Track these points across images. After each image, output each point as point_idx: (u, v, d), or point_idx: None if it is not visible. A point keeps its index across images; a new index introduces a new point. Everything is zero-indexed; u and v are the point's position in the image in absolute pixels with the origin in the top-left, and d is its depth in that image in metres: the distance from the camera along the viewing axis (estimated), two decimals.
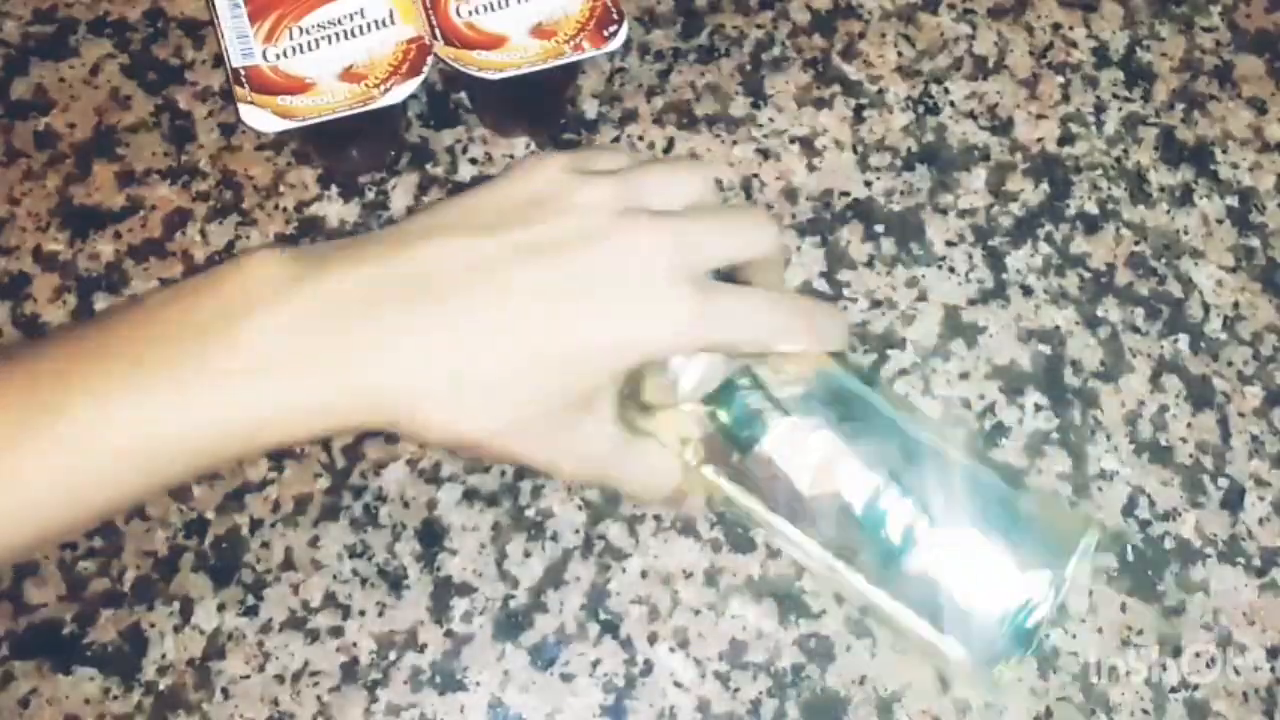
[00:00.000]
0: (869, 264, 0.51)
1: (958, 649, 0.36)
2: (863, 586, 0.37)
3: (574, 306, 0.34)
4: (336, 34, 0.46)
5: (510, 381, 0.34)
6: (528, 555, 0.46)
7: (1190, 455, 0.48)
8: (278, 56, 0.45)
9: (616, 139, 0.52)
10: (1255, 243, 0.52)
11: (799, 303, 0.42)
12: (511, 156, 0.52)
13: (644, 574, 0.45)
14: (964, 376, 0.49)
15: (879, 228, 0.51)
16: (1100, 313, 0.50)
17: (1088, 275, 0.51)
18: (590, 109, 0.53)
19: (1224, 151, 0.54)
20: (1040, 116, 0.54)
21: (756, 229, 0.38)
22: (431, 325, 0.34)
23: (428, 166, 0.51)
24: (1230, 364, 0.50)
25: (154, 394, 0.32)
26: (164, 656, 0.44)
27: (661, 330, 0.35)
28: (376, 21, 0.46)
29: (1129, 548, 0.47)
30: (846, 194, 0.52)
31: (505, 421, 0.35)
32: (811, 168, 0.52)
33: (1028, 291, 0.50)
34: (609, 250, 0.35)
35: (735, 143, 0.52)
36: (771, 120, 0.53)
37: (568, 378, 0.35)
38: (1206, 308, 0.51)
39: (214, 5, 0.46)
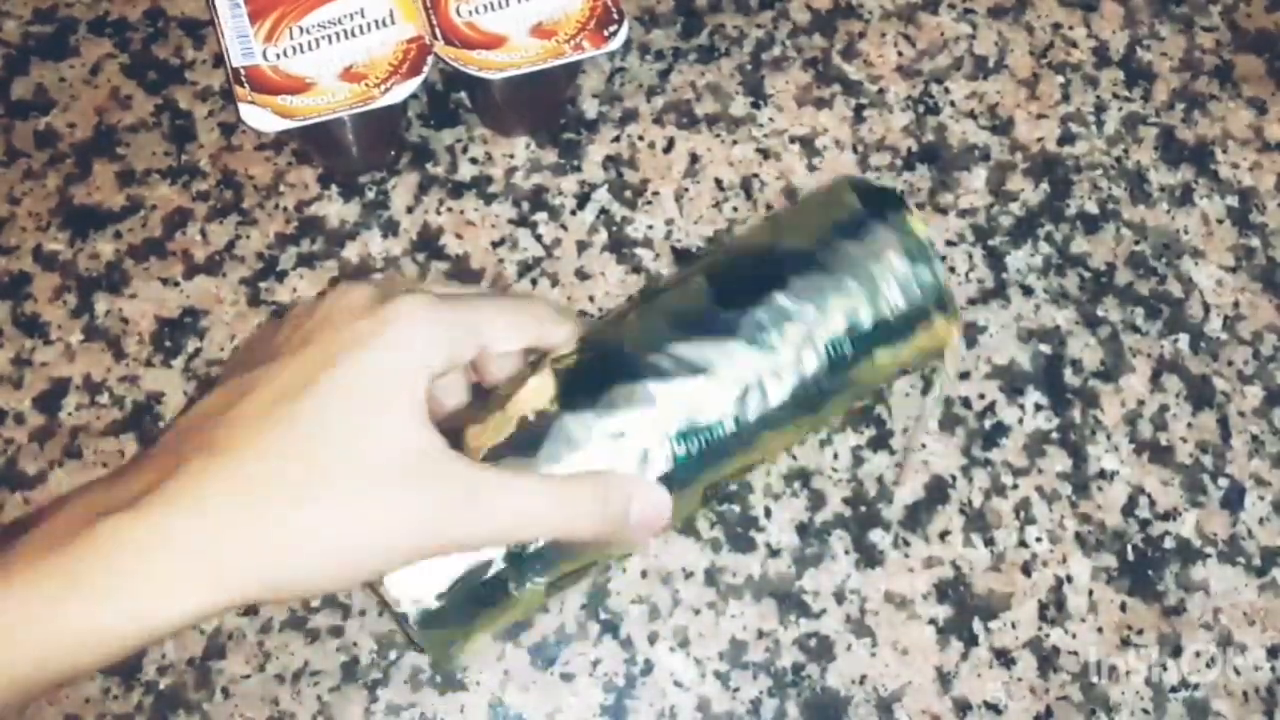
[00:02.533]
0: None
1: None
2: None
3: (330, 382, 0.33)
4: (336, 34, 0.46)
5: (320, 474, 0.32)
6: None
7: (1190, 455, 0.48)
8: (278, 56, 0.45)
9: (616, 139, 0.52)
10: (1255, 242, 0.52)
11: (522, 299, 0.40)
12: (511, 156, 0.52)
13: (644, 574, 0.45)
14: (964, 376, 0.49)
15: None
16: (1100, 312, 0.50)
17: (1088, 275, 0.51)
18: (590, 109, 0.53)
19: (1224, 151, 0.54)
20: (1040, 116, 0.54)
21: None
22: (223, 489, 0.32)
23: (428, 166, 0.51)
24: (1230, 364, 0.50)
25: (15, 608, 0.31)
26: (164, 656, 0.44)
27: (414, 335, 0.34)
28: (376, 21, 0.46)
29: (1129, 548, 0.47)
30: None
31: (353, 511, 0.33)
32: (812, 168, 0.52)
33: (1028, 291, 0.51)
34: (322, 314, 0.35)
35: (735, 142, 0.52)
36: (772, 120, 0.53)
37: (377, 437, 0.33)
38: (1206, 307, 0.51)
39: (214, 5, 0.46)
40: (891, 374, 0.41)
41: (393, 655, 0.44)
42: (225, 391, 0.34)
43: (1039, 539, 0.46)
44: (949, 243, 0.51)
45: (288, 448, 0.32)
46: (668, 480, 0.36)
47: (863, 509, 0.47)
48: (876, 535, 0.46)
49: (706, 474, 0.37)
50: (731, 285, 0.38)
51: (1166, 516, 0.47)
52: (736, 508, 0.46)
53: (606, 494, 0.36)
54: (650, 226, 0.51)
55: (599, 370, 0.37)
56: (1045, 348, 0.50)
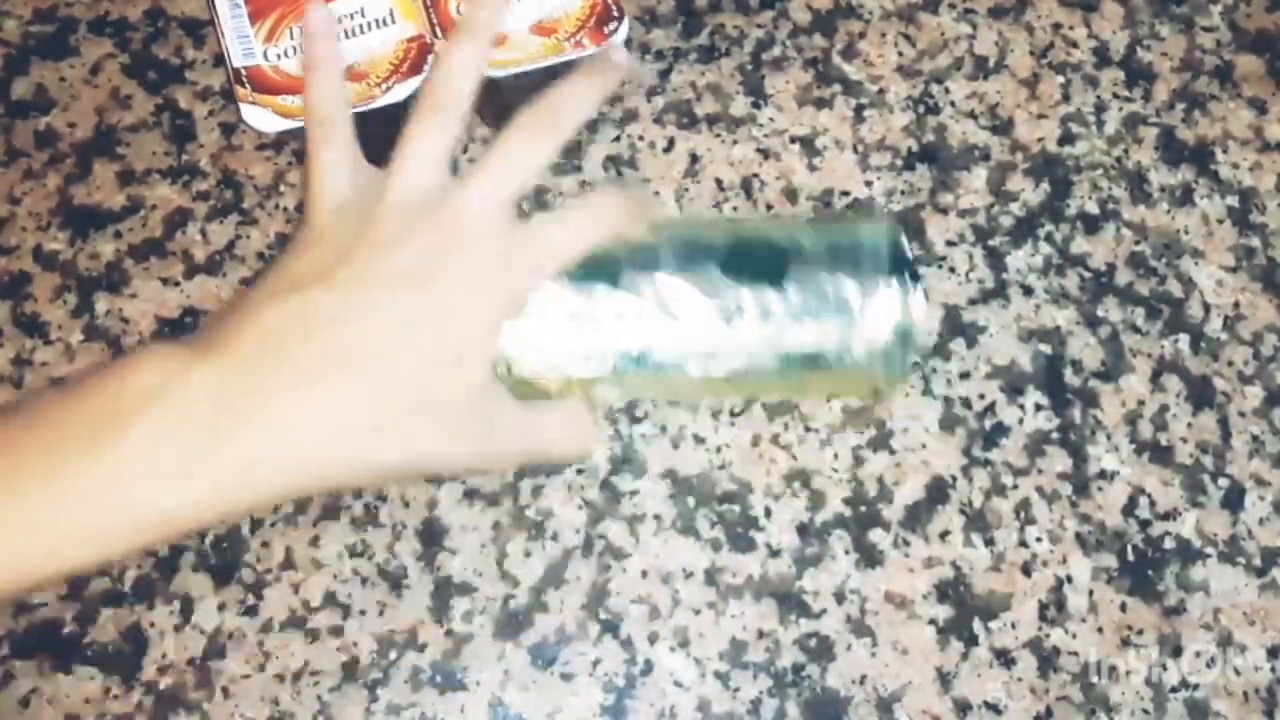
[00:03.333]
0: None
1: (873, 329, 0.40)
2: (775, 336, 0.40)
3: (428, 312, 0.36)
4: (337, 33, 0.46)
5: (405, 406, 0.35)
6: (528, 555, 0.46)
7: (1190, 455, 0.48)
8: (278, 56, 0.45)
9: (617, 139, 0.52)
10: (1255, 242, 0.52)
11: (601, 194, 0.41)
12: None
13: (644, 574, 0.45)
14: (964, 376, 0.49)
15: None
16: (1100, 312, 0.50)
17: (1088, 275, 0.51)
18: None
19: (1224, 151, 0.54)
20: (1040, 116, 0.54)
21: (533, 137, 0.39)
22: (316, 383, 0.34)
23: None
24: (1230, 364, 0.50)
25: (36, 502, 0.32)
26: (164, 656, 0.44)
27: (502, 291, 0.37)
28: (377, 20, 0.46)
29: (1129, 548, 0.47)
30: (847, 194, 0.52)
31: (422, 442, 0.36)
32: (812, 167, 0.52)
33: (1028, 291, 0.51)
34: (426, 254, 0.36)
35: (736, 142, 0.52)
36: (772, 120, 0.53)
37: (455, 376, 0.36)
38: (1207, 307, 0.51)
39: (214, 5, 0.46)
40: (830, 392, 0.45)
41: (393, 655, 0.44)
42: (346, 289, 0.35)
43: (1039, 539, 0.46)
44: (949, 243, 0.51)
45: (390, 378, 0.35)
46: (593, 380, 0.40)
47: (863, 509, 0.47)
48: (876, 535, 0.46)
49: (628, 391, 0.41)
50: (740, 259, 0.40)
51: (1166, 516, 0.47)
52: (736, 508, 0.46)
53: (577, 434, 0.41)
54: None
55: (592, 262, 0.39)
56: (1045, 348, 0.50)
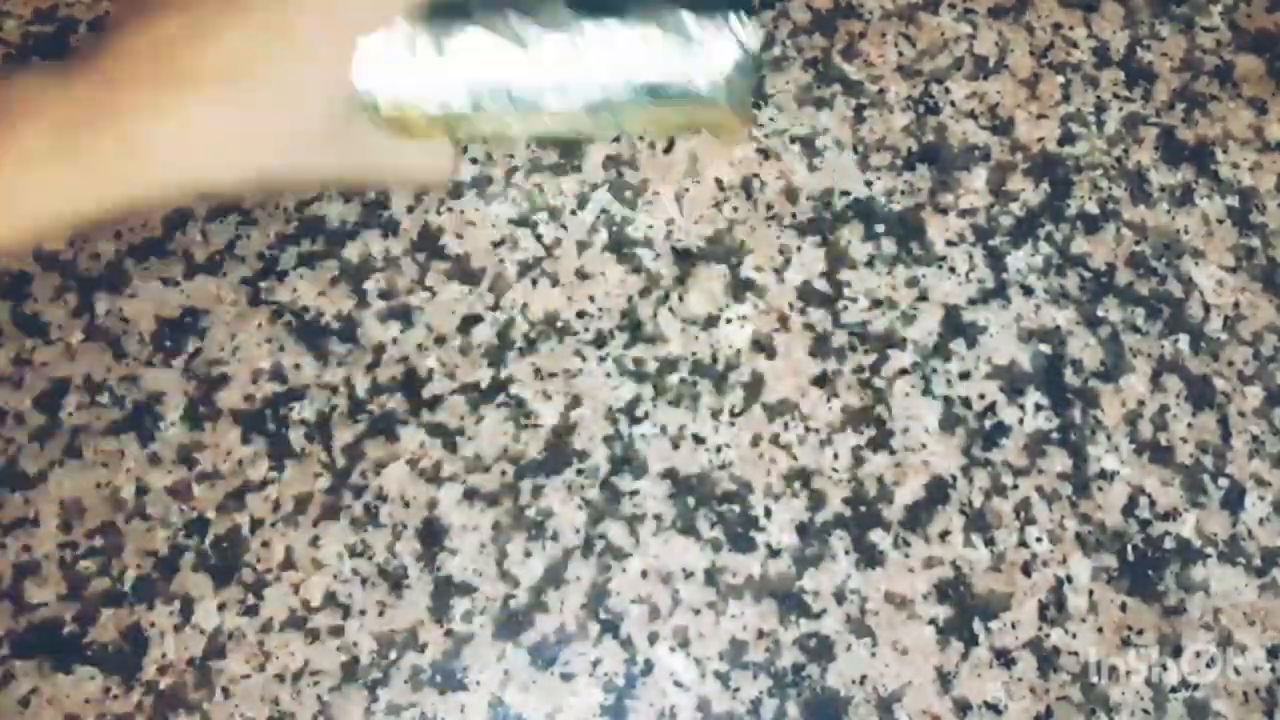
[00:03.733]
0: (869, 264, 0.51)
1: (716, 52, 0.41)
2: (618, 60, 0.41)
3: (278, 39, 0.38)
4: None
5: (255, 122, 0.38)
6: (528, 555, 0.46)
7: (1190, 455, 0.48)
8: None
9: (617, 139, 0.52)
10: (1255, 243, 0.52)
11: None
12: (511, 156, 0.52)
13: (644, 574, 0.45)
14: (964, 376, 0.49)
15: (879, 227, 0.51)
16: (1100, 313, 0.50)
17: (1088, 275, 0.51)
18: None
19: (1224, 151, 0.54)
20: (1041, 116, 0.54)
21: None
22: (172, 96, 0.37)
23: None
24: (1230, 364, 0.50)
25: None
26: (164, 656, 0.44)
27: (353, 19, 0.38)
28: None
29: (1129, 548, 0.47)
30: (847, 194, 0.52)
31: (278, 153, 0.38)
32: (812, 167, 0.52)
33: (1028, 291, 0.51)
34: None
35: (735, 142, 0.52)
36: (772, 120, 0.53)
37: (306, 99, 0.38)
38: (1207, 308, 0.51)
39: None
40: (682, 126, 0.47)
41: (393, 655, 0.44)
42: (200, 16, 0.37)
43: (1039, 539, 0.46)
44: (949, 243, 0.51)
45: (241, 96, 0.37)
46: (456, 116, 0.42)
47: (863, 509, 0.47)
48: (876, 535, 0.46)
49: (491, 127, 0.42)
50: None
51: (1166, 516, 0.47)
52: (736, 508, 0.46)
53: (437, 153, 0.43)
54: (650, 226, 0.51)
55: (443, 1, 0.40)
56: (1045, 348, 0.50)
